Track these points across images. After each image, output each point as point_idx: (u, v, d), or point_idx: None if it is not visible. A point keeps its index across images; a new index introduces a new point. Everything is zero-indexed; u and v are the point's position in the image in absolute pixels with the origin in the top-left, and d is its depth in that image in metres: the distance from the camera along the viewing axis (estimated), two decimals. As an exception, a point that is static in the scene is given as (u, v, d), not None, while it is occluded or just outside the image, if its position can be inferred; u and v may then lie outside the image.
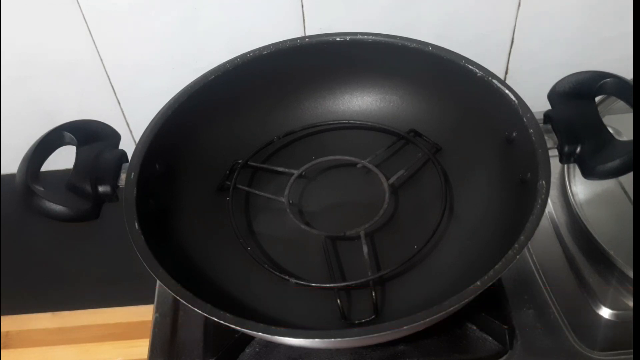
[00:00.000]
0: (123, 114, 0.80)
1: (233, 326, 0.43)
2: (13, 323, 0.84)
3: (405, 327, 0.42)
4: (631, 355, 0.56)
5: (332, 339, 0.43)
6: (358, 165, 0.60)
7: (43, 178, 0.51)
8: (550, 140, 0.52)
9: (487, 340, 0.57)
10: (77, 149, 0.54)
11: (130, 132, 0.81)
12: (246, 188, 0.60)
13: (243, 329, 0.44)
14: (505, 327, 0.56)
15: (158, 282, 0.56)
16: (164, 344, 0.60)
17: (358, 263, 0.53)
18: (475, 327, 0.58)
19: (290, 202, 0.58)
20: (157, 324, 0.62)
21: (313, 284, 0.52)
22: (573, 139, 0.52)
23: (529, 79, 0.77)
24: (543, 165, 0.49)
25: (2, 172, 0.84)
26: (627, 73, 0.53)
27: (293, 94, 0.64)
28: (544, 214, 0.47)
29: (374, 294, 0.51)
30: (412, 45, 0.59)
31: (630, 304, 0.59)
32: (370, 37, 0.59)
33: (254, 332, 0.44)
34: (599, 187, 0.64)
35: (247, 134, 0.63)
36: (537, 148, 0.50)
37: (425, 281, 0.52)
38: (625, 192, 0.64)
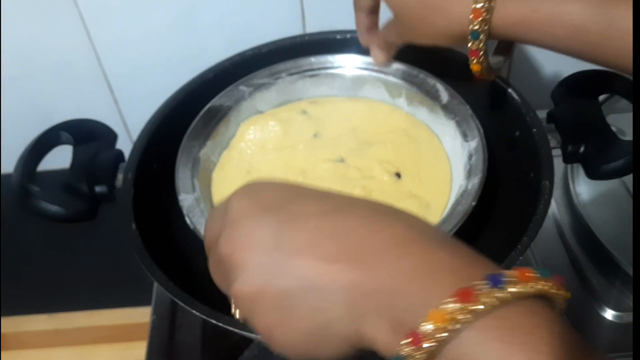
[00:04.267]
0: (120, 113, 0.79)
1: (231, 329, 0.43)
2: (9, 325, 0.84)
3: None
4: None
5: (333, 342, 0.43)
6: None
7: (39, 178, 0.51)
8: (554, 140, 0.52)
9: (489, 342, 0.57)
10: (73, 149, 0.54)
11: (127, 131, 0.81)
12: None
13: (241, 332, 0.43)
14: (508, 328, 0.55)
15: (155, 283, 0.55)
16: (161, 347, 0.59)
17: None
18: (477, 329, 0.57)
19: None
20: (155, 326, 0.61)
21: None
22: (576, 139, 0.51)
23: (532, 77, 0.76)
24: (546, 165, 0.49)
25: (-1, 172, 0.84)
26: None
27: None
28: (547, 214, 0.47)
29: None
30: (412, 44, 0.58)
31: (634, 305, 0.58)
32: (371, 35, 0.59)
33: (253, 335, 0.43)
34: (602, 187, 0.64)
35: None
36: (540, 147, 0.50)
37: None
38: (629, 193, 0.63)
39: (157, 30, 0.71)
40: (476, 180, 0.48)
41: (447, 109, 0.54)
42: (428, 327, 0.24)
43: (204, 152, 0.53)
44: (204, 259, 0.49)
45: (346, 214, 0.29)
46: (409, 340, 0.25)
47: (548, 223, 0.65)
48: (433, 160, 0.54)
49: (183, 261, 0.52)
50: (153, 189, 0.53)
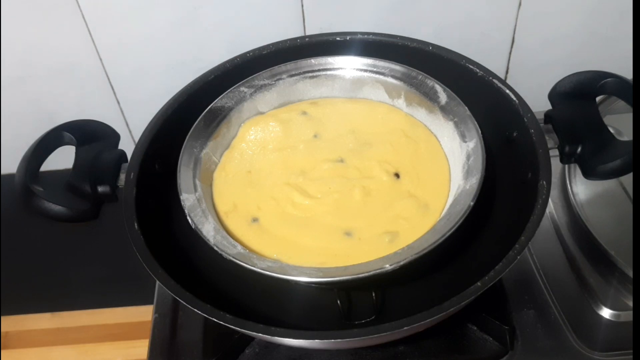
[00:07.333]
0: (122, 113, 0.80)
1: (232, 327, 0.43)
2: (12, 323, 0.84)
3: (405, 328, 0.42)
4: (631, 356, 0.56)
5: (332, 339, 0.43)
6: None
7: (42, 178, 0.51)
8: (551, 140, 0.52)
9: (487, 341, 0.57)
10: (76, 149, 0.54)
11: (130, 132, 0.81)
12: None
13: (243, 330, 0.44)
14: (506, 327, 0.56)
15: (157, 282, 0.56)
16: (163, 345, 0.60)
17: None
18: (475, 328, 0.58)
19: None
20: (157, 324, 0.62)
21: (313, 284, 0.52)
22: (574, 139, 0.52)
23: (530, 78, 0.77)
24: (544, 166, 0.49)
25: (2, 172, 0.84)
26: (627, 73, 0.53)
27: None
28: (545, 214, 0.47)
29: (374, 295, 0.51)
30: (412, 45, 0.59)
31: (631, 304, 0.59)
32: (371, 36, 0.59)
33: (254, 333, 0.44)
34: (599, 187, 0.64)
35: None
36: (537, 148, 0.50)
37: (426, 282, 0.52)
38: (626, 192, 0.64)
39: (159, 32, 0.71)
40: (474, 181, 0.48)
41: (445, 110, 0.54)
42: None
43: (205, 153, 0.54)
44: (206, 257, 0.50)
45: None
46: None
47: (545, 223, 0.65)
48: (432, 161, 0.54)
49: (185, 260, 0.52)
50: (155, 189, 0.53)
